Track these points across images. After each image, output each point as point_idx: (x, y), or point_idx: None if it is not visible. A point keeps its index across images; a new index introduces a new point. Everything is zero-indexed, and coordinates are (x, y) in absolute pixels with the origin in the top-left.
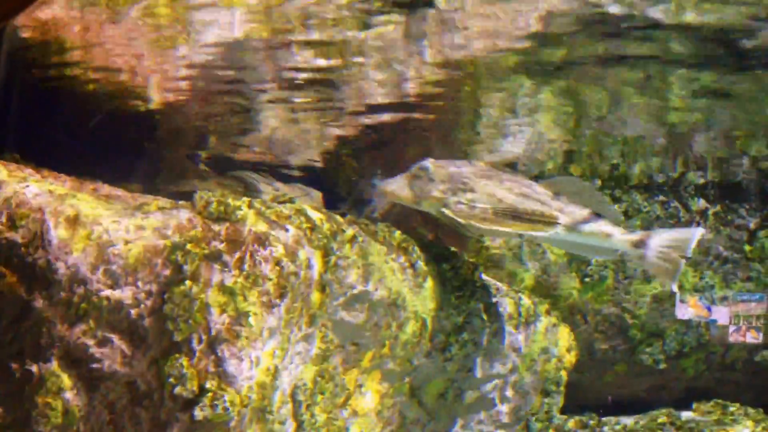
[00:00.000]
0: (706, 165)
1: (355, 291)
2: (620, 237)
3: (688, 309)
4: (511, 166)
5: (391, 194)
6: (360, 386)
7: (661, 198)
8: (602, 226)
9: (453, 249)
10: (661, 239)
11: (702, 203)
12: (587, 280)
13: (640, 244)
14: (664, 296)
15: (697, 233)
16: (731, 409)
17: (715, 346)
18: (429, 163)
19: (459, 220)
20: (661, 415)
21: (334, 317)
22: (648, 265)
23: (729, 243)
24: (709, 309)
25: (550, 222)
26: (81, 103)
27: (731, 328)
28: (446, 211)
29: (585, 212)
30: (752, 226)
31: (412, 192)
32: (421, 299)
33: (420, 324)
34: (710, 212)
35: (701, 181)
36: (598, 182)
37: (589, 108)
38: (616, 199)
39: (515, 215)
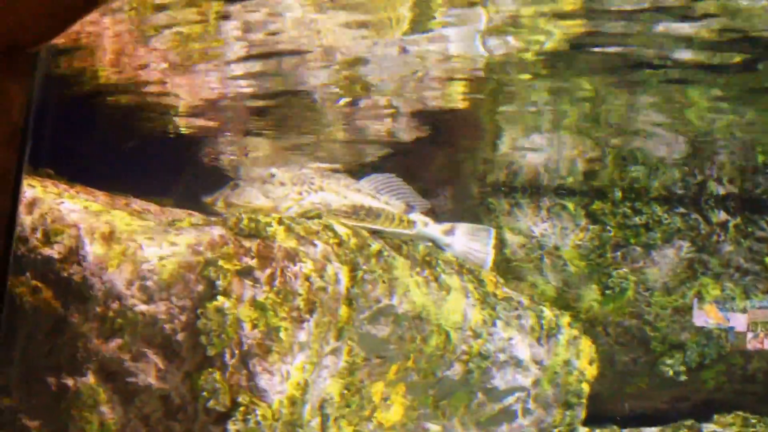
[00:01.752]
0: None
1: (380, 305)
2: (434, 226)
3: (706, 317)
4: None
5: (246, 204)
6: (385, 399)
7: (681, 210)
8: (419, 216)
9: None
10: (464, 230)
11: (722, 215)
12: (608, 292)
13: (449, 232)
14: (685, 308)
15: (492, 231)
16: (752, 421)
17: (735, 358)
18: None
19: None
20: (683, 427)
21: (360, 331)
22: (454, 249)
23: (749, 255)
24: (726, 316)
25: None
26: (115, 121)
27: (749, 335)
28: (306, 211)
29: (403, 205)
30: None
31: (268, 198)
32: (445, 312)
33: (444, 337)
34: (731, 224)
35: (722, 192)
36: (619, 194)
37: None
38: (637, 210)
39: (368, 212)
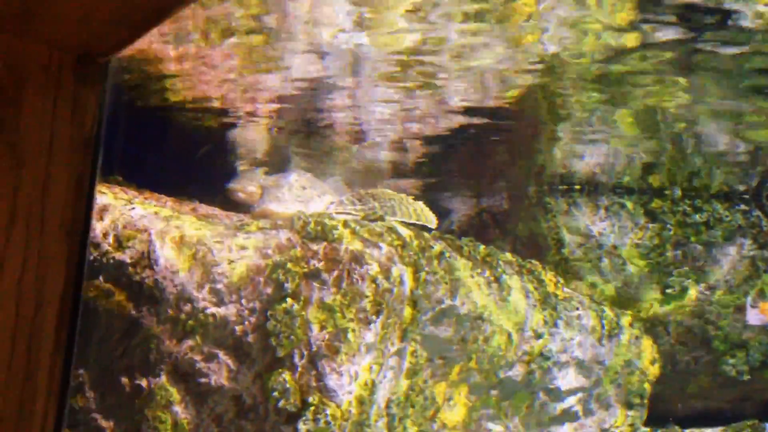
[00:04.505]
0: None
1: (443, 306)
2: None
3: (759, 314)
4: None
5: (285, 212)
6: (448, 399)
7: (743, 207)
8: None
9: (535, 262)
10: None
11: None
12: (669, 291)
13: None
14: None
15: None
16: None
17: None
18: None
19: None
20: (746, 427)
21: (423, 332)
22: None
23: None
24: None
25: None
26: (180, 130)
27: None
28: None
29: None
30: None
31: (303, 203)
32: (506, 313)
33: (505, 337)
34: None
35: None
36: (679, 192)
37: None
38: (697, 208)
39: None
